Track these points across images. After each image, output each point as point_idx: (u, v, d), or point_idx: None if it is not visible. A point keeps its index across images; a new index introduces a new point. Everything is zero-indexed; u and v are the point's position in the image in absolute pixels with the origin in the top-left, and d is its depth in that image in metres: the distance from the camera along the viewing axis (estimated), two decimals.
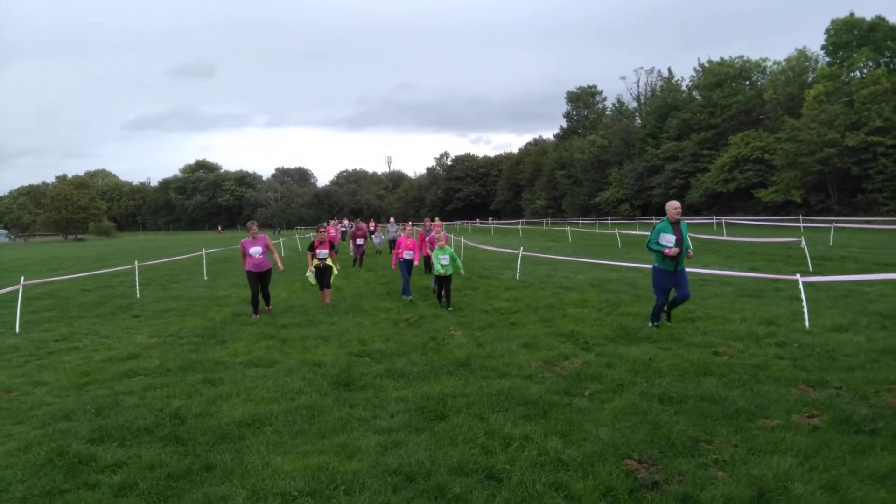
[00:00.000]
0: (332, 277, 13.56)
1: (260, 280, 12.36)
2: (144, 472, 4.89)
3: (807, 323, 9.52)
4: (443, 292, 12.84)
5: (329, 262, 13.36)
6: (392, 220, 30.52)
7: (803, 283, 10.20)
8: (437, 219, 19.57)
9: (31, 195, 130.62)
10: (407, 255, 14.23)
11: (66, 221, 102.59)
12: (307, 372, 7.90)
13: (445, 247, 12.76)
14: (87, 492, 4.62)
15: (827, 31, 50.89)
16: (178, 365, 8.45)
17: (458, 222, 75.86)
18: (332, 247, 13.51)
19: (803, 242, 18.49)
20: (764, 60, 62.80)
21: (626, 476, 4.57)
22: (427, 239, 15.84)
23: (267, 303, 12.76)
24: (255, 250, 12.20)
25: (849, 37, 49.50)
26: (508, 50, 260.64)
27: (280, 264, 12.84)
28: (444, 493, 4.39)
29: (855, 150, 45.01)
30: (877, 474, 4.44)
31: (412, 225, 16.35)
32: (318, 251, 13.25)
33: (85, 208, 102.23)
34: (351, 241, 23.84)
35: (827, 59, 52.30)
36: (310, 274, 13.30)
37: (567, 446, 5.15)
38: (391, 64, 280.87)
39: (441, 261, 12.55)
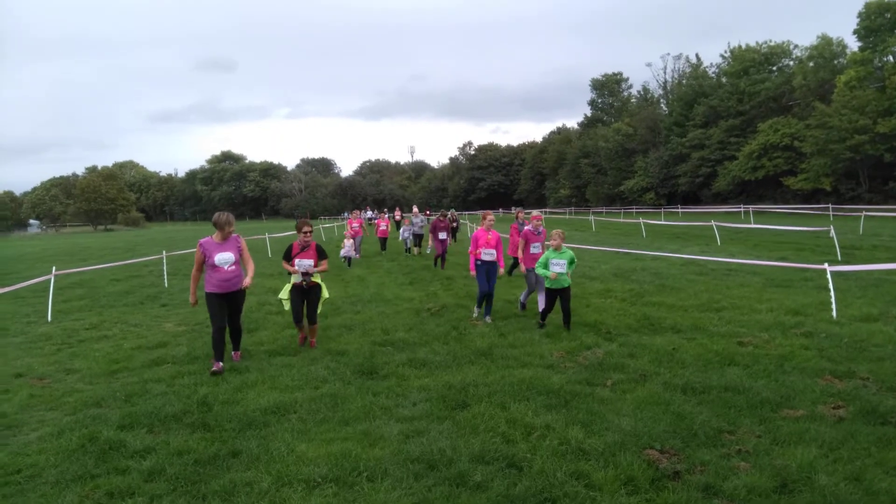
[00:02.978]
0: (321, 302, 8.90)
1: (229, 305, 7.85)
2: (173, 458, 5.01)
3: (834, 313, 9.38)
4: (548, 308, 9.53)
5: (317, 278, 8.77)
6: (415, 209, 25.40)
7: (831, 272, 10.05)
8: (507, 210, 15.83)
9: (62, 186, 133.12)
10: (486, 255, 10.17)
11: (96, 212, 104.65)
12: (331, 361, 8.00)
13: (563, 248, 9.32)
14: (118, 476, 4.74)
15: (859, 15, 49.60)
16: (205, 353, 8.59)
17: (481, 212, 75.79)
18: (320, 255, 8.73)
19: (832, 231, 18.17)
20: (789, 44, 61.52)
21: (647, 466, 4.57)
22: (522, 236, 10.86)
23: (236, 344, 8.28)
24: (224, 258, 7.66)
25: (882, 20, 48.19)
26: (520, 41, 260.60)
27: (250, 278, 7.93)
28: (466, 481, 4.43)
29: (887, 136, 43.94)
30: None
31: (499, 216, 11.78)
32: (296, 261, 8.57)
33: (114, 199, 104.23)
34: (431, 236, 19.26)
35: (858, 43, 51.01)
36: (284, 297, 8.88)
37: (588, 436, 5.16)
38: (404, 56, 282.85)
39: (554, 267, 9.11)
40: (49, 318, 12.14)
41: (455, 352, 8.17)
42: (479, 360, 7.76)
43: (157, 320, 11.68)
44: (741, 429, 5.21)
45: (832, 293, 9.72)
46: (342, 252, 19.74)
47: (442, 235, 18.51)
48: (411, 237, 23.58)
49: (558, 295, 9.26)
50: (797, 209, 41.52)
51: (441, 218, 18.99)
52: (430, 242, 19.78)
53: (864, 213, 28.25)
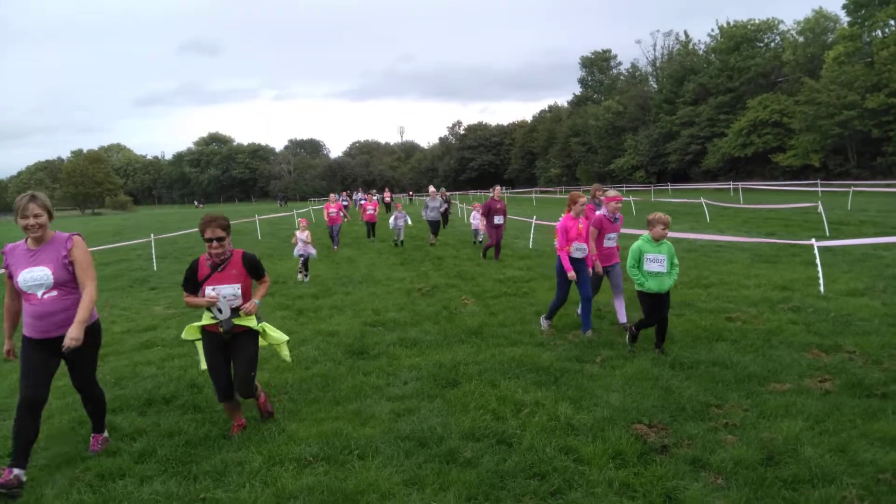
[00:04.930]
0: (280, 351, 5.53)
1: (57, 360, 4.69)
2: (163, 440, 5.01)
3: (822, 288, 9.45)
4: (650, 321, 6.86)
5: (245, 319, 5.06)
6: (432, 189, 20.99)
7: (818, 247, 10.11)
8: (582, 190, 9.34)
9: (48, 170, 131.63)
10: (578, 250, 7.70)
11: (83, 196, 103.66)
12: (321, 341, 8.00)
13: (664, 241, 6.79)
14: (108, 458, 4.74)
15: None
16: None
17: (472, 192, 75.61)
18: (253, 273, 5.14)
19: (820, 207, 18.28)
20: (776, 20, 61.36)
21: (635, 440, 4.61)
22: (594, 223, 8.07)
23: (96, 423, 5.08)
24: (33, 279, 4.54)
25: None
26: (507, 21, 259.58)
27: (80, 328, 4.41)
28: (456, 458, 4.46)
29: (875, 112, 44.07)
30: (887, 437, 4.45)
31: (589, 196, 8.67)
32: (206, 289, 4.96)
33: (100, 183, 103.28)
34: (484, 221, 15.81)
35: (847, 18, 50.92)
36: (192, 338, 5.35)
37: (577, 412, 5.20)
38: (391, 37, 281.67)
39: (652, 265, 6.69)
40: None
41: (446, 331, 8.19)
42: (469, 338, 7.78)
43: (146, 304, 11.63)
44: (728, 403, 5.26)
45: (819, 268, 9.80)
46: (296, 251, 13.77)
47: (498, 220, 15.18)
48: (405, 226, 19.81)
49: (659, 303, 6.76)
50: (786, 185, 41.70)
51: (497, 198, 15.58)
52: (482, 229, 16.43)
53: (853, 188, 28.39)
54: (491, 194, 15.87)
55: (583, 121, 78.79)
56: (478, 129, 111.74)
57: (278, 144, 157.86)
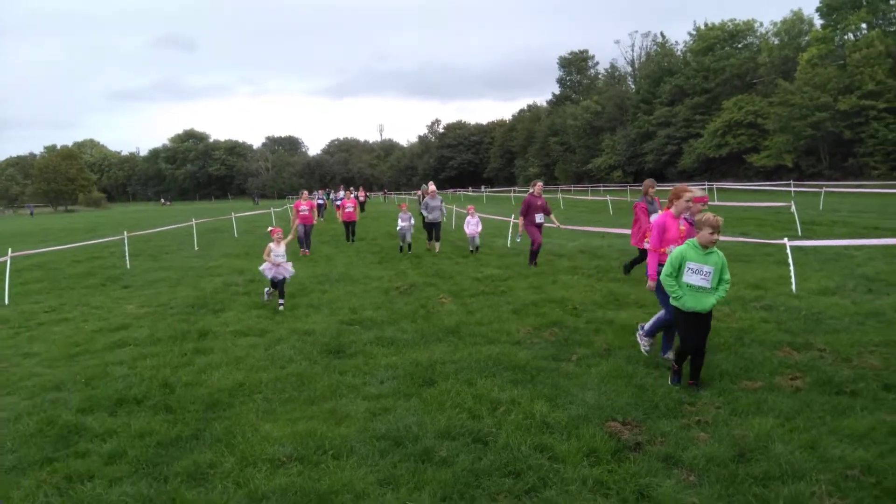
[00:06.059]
0: None
1: None
2: (134, 441, 4.93)
3: (793, 287, 9.59)
4: (688, 345, 5.66)
5: None
6: (432, 187, 17.80)
7: (791, 247, 10.26)
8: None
9: (20, 166, 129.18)
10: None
11: (56, 193, 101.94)
12: (297, 340, 7.93)
13: (713, 249, 5.66)
14: (77, 460, 4.65)
15: None
16: (168, 335, 8.46)
17: (451, 190, 75.62)
18: None
19: (793, 207, 18.56)
20: (754, 22, 62.23)
21: (609, 437, 4.64)
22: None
23: None
24: None
25: None
26: (483, 20, 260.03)
27: None
28: (431, 457, 4.45)
29: (847, 113, 44.92)
30: (856, 433, 4.52)
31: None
32: None
33: (73, 179, 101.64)
34: (522, 219, 13.56)
35: (821, 21, 51.82)
36: None
37: (553, 410, 5.22)
38: (366, 35, 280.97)
39: (692, 277, 5.58)
40: (6, 301, 11.82)
41: (423, 330, 8.17)
42: (446, 337, 7.77)
43: (118, 302, 11.44)
44: (701, 400, 5.31)
45: (791, 267, 9.94)
46: (267, 272, 10.26)
47: (539, 218, 13.31)
48: (411, 230, 17.21)
49: (697, 325, 5.62)
50: (760, 186, 42.27)
51: (537, 195, 13.44)
52: (520, 229, 13.95)
53: (825, 189, 28.86)
54: (531, 190, 13.70)
55: (561, 120, 79.23)
56: (457, 128, 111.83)
57: (256, 141, 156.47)
